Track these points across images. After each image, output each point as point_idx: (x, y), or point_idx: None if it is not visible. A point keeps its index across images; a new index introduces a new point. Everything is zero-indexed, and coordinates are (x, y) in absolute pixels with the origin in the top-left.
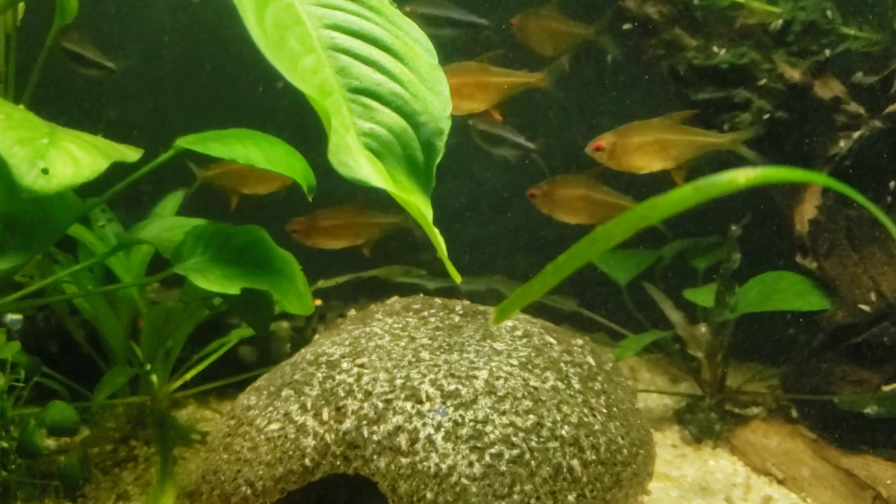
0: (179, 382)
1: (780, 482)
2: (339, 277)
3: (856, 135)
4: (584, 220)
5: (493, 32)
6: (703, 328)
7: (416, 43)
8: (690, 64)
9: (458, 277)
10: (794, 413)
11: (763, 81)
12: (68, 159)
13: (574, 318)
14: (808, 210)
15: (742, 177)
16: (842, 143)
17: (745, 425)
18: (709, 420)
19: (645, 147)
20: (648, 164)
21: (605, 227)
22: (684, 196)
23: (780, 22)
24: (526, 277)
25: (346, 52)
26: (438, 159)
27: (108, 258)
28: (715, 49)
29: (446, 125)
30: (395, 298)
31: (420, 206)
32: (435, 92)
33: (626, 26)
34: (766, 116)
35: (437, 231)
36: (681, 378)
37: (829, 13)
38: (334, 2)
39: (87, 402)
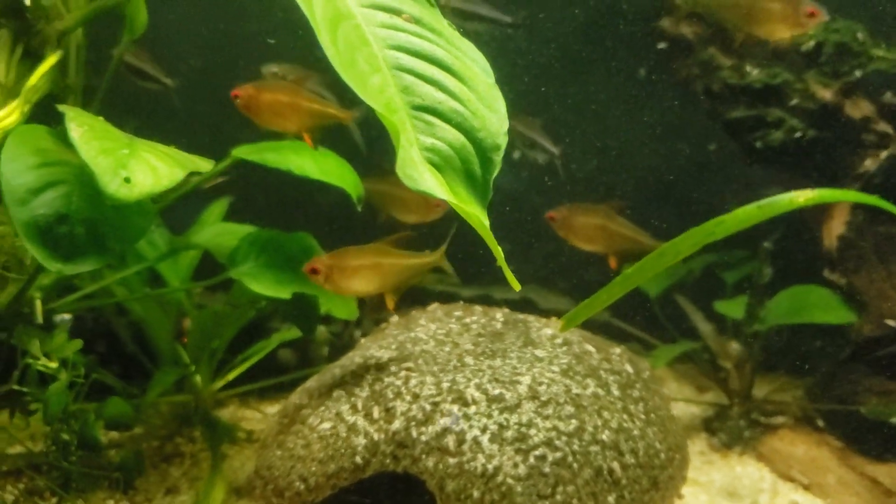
0: (222, 383)
1: (806, 488)
2: None
3: (884, 154)
4: (599, 250)
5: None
6: (734, 341)
7: (474, 63)
8: (725, 83)
9: (517, 286)
10: (821, 422)
11: (795, 101)
12: (148, 169)
13: (606, 328)
14: (836, 226)
15: (801, 197)
16: (870, 162)
17: (772, 433)
18: (738, 427)
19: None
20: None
21: (674, 243)
22: (749, 214)
23: (812, 43)
24: (556, 286)
25: (410, 71)
26: (495, 173)
27: (159, 262)
28: (748, 69)
29: (503, 141)
30: (435, 305)
31: (479, 216)
32: (492, 109)
33: (662, 45)
34: (797, 135)
35: (495, 240)
36: (706, 388)
37: (859, 35)
38: (398, 24)
39: (133, 399)
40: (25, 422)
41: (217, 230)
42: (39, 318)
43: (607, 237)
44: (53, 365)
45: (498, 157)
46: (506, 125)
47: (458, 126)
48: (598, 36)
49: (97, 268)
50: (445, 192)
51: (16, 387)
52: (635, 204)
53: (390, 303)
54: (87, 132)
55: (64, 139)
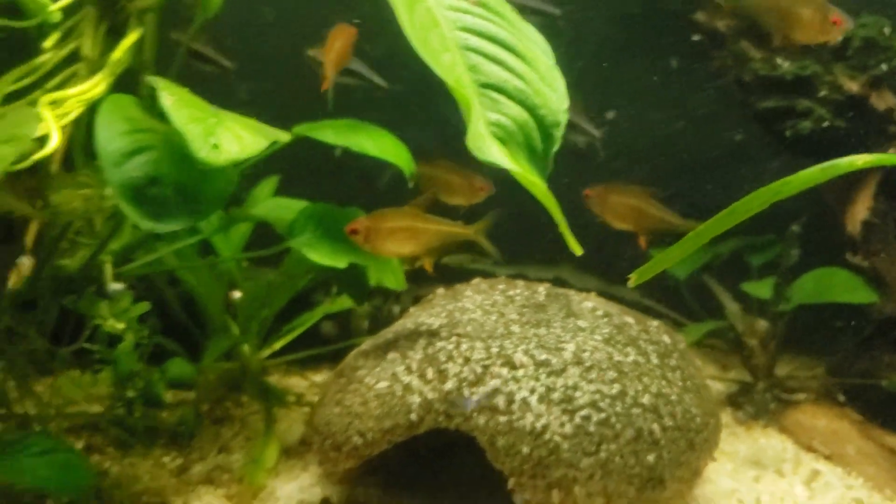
0: (269, 352)
1: (827, 458)
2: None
3: None
4: (631, 228)
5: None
6: (761, 320)
7: (535, 45)
8: (756, 74)
9: (578, 249)
10: (841, 397)
11: (823, 92)
12: (234, 137)
13: (636, 307)
14: (860, 211)
15: (860, 160)
16: (893, 151)
17: (794, 407)
18: (764, 400)
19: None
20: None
21: (745, 201)
22: (812, 175)
23: (840, 37)
24: (589, 268)
25: (477, 51)
26: (556, 147)
27: (214, 235)
28: (779, 61)
29: (563, 118)
30: (479, 279)
31: (538, 183)
32: (553, 88)
33: (696, 37)
34: (825, 124)
35: (558, 206)
36: (730, 366)
37: (886, 30)
38: (465, 6)
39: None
40: (93, 380)
41: (273, 204)
42: (109, 281)
43: (640, 216)
44: (121, 326)
45: (558, 133)
46: (566, 103)
47: (522, 103)
48: (638, 26)
49: (184, 227)
50: (510, 163)
51: (86, 345)
52: (673, 183)
53: (428, 266)
54: (177, 101)
55: (149, 109)
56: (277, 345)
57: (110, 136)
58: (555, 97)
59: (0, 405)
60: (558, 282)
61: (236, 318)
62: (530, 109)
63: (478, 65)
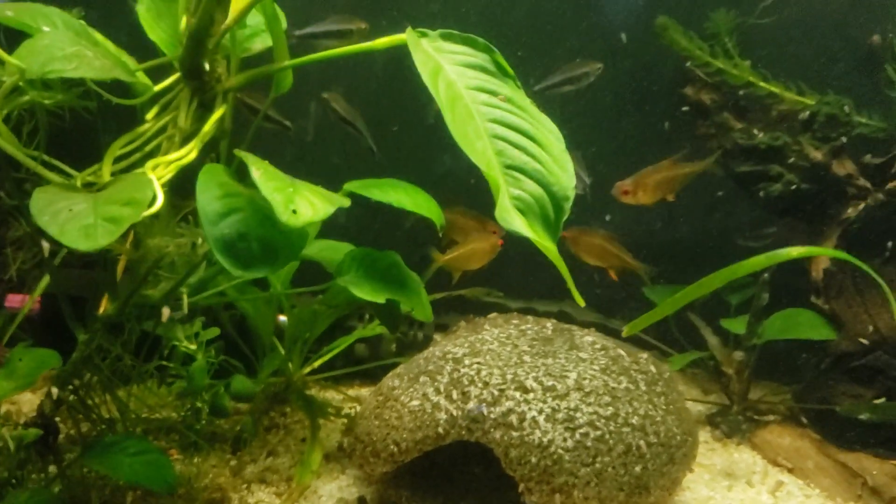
0: (309, 369)
1: (790, 471)
2: (436, 294)
3: (862, 204)
4: (598, 264)
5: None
6: (737, 352)
7: (550, 132)
8: (736, 142)
9: (581, 302)
10: (804, 419)
11: (792, 159)
12: (308, 204)
13: (629, 338)
14: (822, 261)
15: (795, 251)
16: (851, 210)
17: (764, 427)
18: (737, 421)
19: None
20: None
21: (708, 278)
22: (759, 261)
23: (807, 113)
24: (589, 303)
25: (503, 139)
26: (565, 217)
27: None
28: (755, 132)
29: (571, 193)
30: (495, 314)
31: (551, 248)
32: (563, 169)
33: (685, 109)
34: (793, 187)
35: (565, 266)
36: (710, 391)
37: (846, 108)
38: (495, 102)
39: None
40: (168, 391)
41: (321, 245)
42: (185, 310)
43: (604, 254)
44: (193, 347)
45: (567, 205)
46: (573, 181)
47: (538, 181)
48: (635, 98)
49: (266, 274)
50: (529, 232)
51: (164, 362)
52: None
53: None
54: (263, 174)
55: (235, 175)
56: (317, 363)
57: (208, 200)
58: (565, 176)
59: (93, 412)
60: (562, 314)
61: (283, 339)
62: (545, 186)
63: (504, 150)
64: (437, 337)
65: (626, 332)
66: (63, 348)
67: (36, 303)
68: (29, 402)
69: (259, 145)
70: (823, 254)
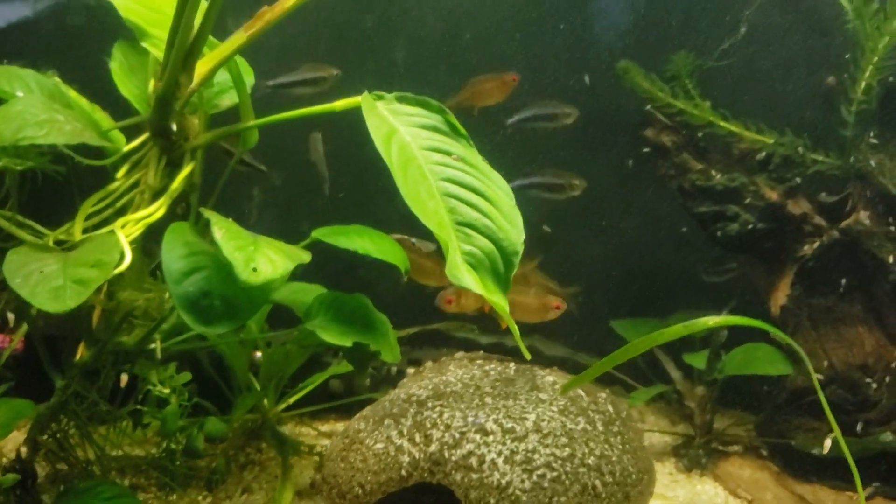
0: (284, 405)
1: (750, 503)
2: (409, 329)
3: (817, 242)
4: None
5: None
6: (699, 386)
7: (500, 189)
8: (694, 183)
9: (528, 355)
10: (764, 451)
11: (749, 200)
12: (268, 261)
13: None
14: (780, 298)
15: (711, 321)
16: (807, 248)
17: (725, 459)
18: (697, 455)
19: None
20: None
21: (634, 343)
22: (678, 330)
23: (763, 154)
24: (557, 338)
25: (455, 197)
26: (514, 271)
27: None
28: (713, 173)
29: (520, 248)
30: (461, 353)
31: (501, 303)
32: (513, 224)
33: (646, 150)
34: (749, 227)
35: (513, 320)
36: (678, 421)
37: (800, 150)
38: (448, 161)
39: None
40: (143, 434)
41: (292, 288)
42: (158, 355)
43: (526, 283)
44: (167, 391)
45: (516, 260)
46: (522, 236)
47: (488, 237)
48: (596, 139)
49: (228, 330)
50: (479, 287)
51: (139, 406)
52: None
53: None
54: (225, 233)
55: (200, 232)
56: (292, 399)
57: (173, 259)
58: (514, 231)
59: (69, 455)
60: (531, 350)
61: (258, 375)
62: (495, 242)
63: (455, 207)
64: (410, 370)
65: (562, 391)
66: (46, 385)
67: (20, 342)
68: (13, 438)
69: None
70: (741, 323)
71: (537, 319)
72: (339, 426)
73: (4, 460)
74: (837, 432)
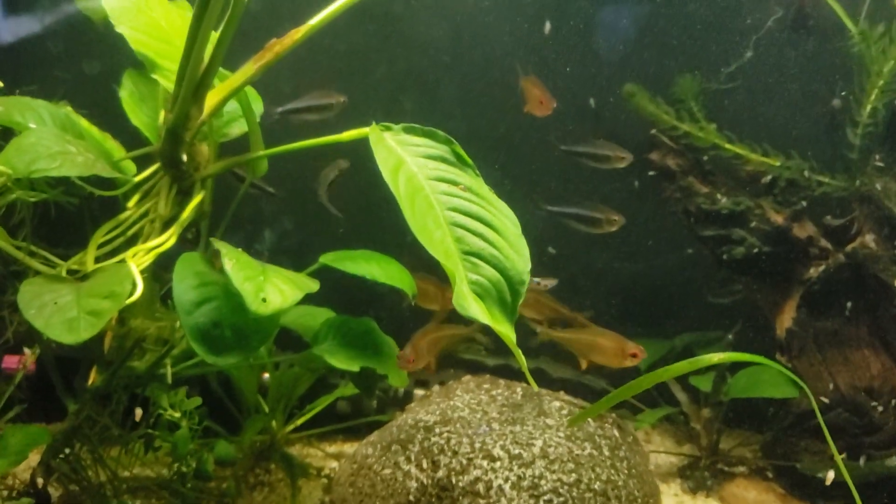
0: (292, 426)
1: None
2: None
3: (823, 266)
4: (534, 315)
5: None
6: (705, 408)
7: (507, 218)
8: (700, 207)
9: (535, 386)
10: (770, 473)
11: (754, 223)
12: (277, 291)
13: (604, 394)
14: (786, 320)
15: (716, 357)
16: (812, 271)
17: (730, 481)
18: (703, 477)
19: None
20: None
21: (641, 378)
22: (683, 366)
23: (769, 177)
24: (564, 359)
25: (462, 226)
26: (521, 300)
27: None
28: (719, 196)
29: (527, 277)
30: (468, 377)
31: (508, 333)
32: (519, 254)
33: (651, 173)
34: (755, 250)
35: (519, 350)
36: (684, 442)
37: (806, 173)
38: (455, 192)
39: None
40: (155, 456)
41: (300, 312)
42: (169, 380)
43: (538, 306)
44: (177, 415)
45: (523, 289)
46: (528, 265)
47: (495, 266)
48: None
49: (238, 360)
50: (486, 317)
51: (150, 431)
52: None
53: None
54: (235, 264)
55: (210, 262)
56: (300, 421)
57: (184, 290)
58: (521, 261)
59: (82, 477)
60: (538, 371)
61: (266, 397)
62: (502, 271)
63: (462, 237)
64: (418, 391)
65: (569, 425)
66: (58, 406)
67: (31, 364)
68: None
69: None
70: (745, 359)
71: (614, 365)
72: (347, 447)
73: (18, 483)
74: (838, 458)
